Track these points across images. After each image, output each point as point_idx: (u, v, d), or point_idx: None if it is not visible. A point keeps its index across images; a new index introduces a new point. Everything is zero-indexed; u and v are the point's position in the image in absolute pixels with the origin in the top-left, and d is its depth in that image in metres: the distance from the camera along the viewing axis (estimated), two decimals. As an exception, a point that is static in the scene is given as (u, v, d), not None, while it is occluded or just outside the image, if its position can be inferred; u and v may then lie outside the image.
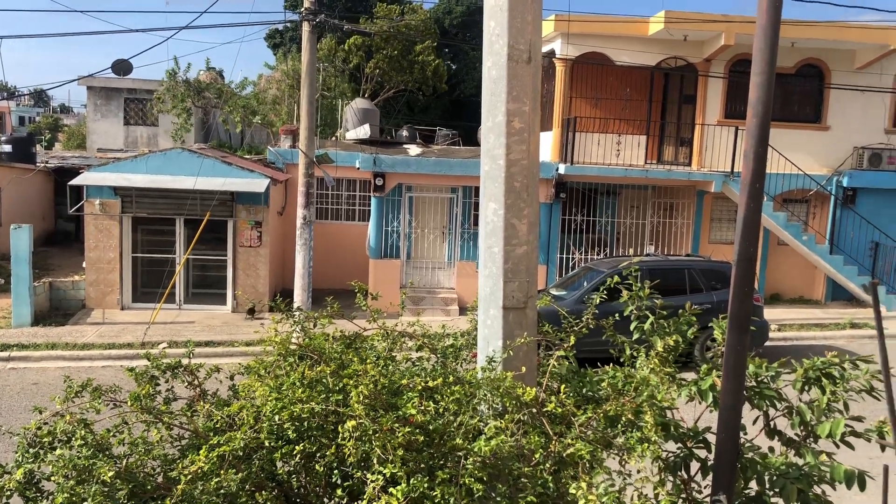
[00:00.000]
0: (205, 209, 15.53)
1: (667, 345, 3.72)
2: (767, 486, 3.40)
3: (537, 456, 3.25)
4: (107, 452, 3.45)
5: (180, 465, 3.31)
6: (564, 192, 17.24)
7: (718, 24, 16.61)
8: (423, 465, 3.19)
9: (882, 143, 18.11)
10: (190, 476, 3.17)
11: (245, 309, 16.01)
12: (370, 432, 3.13)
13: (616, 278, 4.17)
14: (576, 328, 4.23)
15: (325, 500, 3.70)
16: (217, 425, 3.71)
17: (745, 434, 3.50)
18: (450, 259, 17.57)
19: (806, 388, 3.52)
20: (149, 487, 3.39)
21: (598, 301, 4.23)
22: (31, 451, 3.50)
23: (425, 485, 3.03)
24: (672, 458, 3.60)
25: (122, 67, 16.48)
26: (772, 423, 3.65)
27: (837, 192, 18.08)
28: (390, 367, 4.10)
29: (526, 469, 3.22)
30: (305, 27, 14.25)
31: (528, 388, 3.43)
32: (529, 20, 3.85)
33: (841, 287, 18.02)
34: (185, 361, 4.05)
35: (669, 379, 3.66)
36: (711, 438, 3.47)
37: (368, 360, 3.84)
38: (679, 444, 3.65)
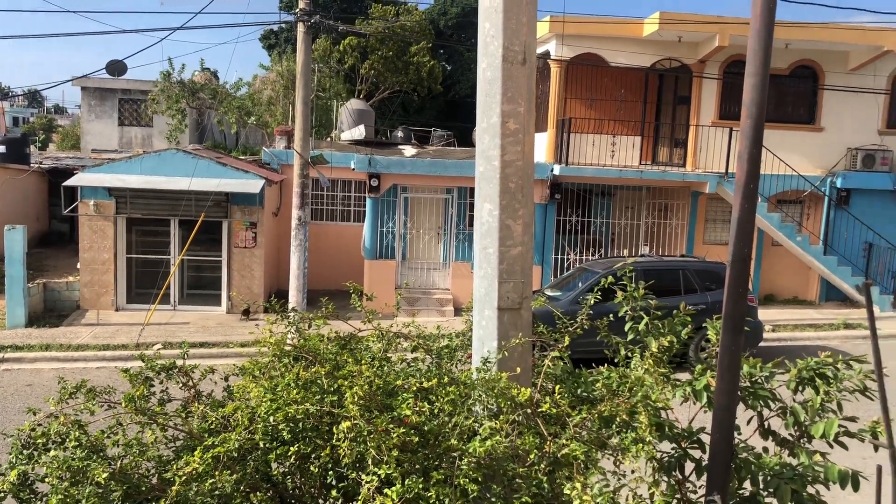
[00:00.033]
0: (199, 210, 15.51)
1: (661, 345, 3.73)
2: (762, 486, 3.41)
3: (532, 456, 3.25)
4: (101, 454, 3.44)
5: (175, 467, 3.31)
6: (559, 193, 17.27)
7: (713, 25, 16.65)
8: (417, 466, 3.19)
9: (875, 144, 18.18)
10: (184, 477, 3.16)
11: (240, 310, 15.99)
12: (365, 433, 3.13)
13: (611, 279, 4.18)
14: (570, 329, 4.24)
15: (320, 501, 3.70)
16: (212, 426, 3.70)
17: (740, 434, 3.51)
18: (445, 260, 17.58)
19: (800, 388, 3.53)
20: (143, 489, 3.38)
21: (592, 302, 4.23)
22: (25, 452, 3.49)
23: (420, 486, 3.03)
24: (667, 458, 3.61)
25: (116, 68, 16.42)
26: (766, 423, 3.66)
27: (831, 192, 18.14)
28: (385, 367, 4.10)
29: (521, 470, 3.23)
30: (300, 28, 14.23)
31: (523, 389, 3.43)
32: (524, 21, 3.86)
33: (835, 288, 18.09)
34: (179, 362, 4.04)
35: (664, 379, 3.67)
36: (706, 439, 3.47)
37: (363, 361, 3.84)
38: (674, 445, 3.66)
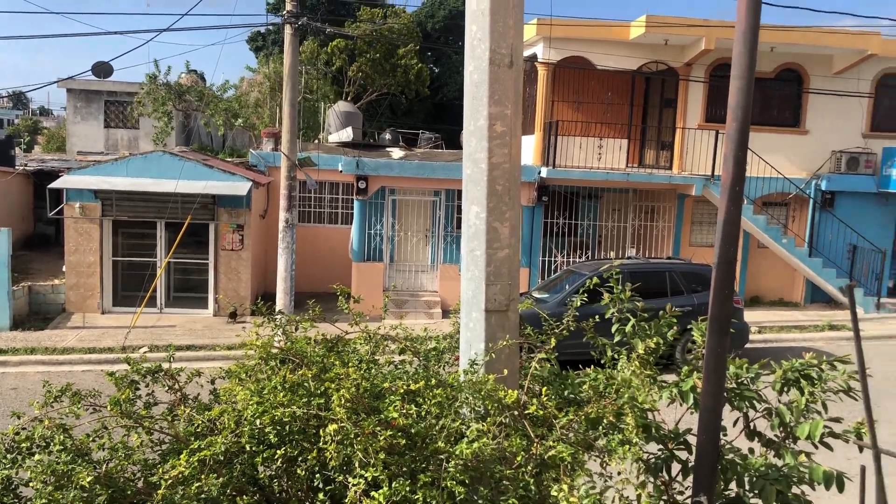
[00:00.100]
0: (186, 212, 15.44)
1: (648, 347, 3.75)
2: (747, 487, 3.43)
3: (519, 458, 3.25)
4: (86, 458, 3.41)
5: (161, 470, 3.28)
6: (546, 196, 17.31)
7: (699, 28, 16.74)
8: (405, 469, 3.19)
9: (859, 147, 18.34)
10: (171, 481, 3.15)
11: (227, 312, 15.92)
12: (352, 436, 3.13)
13: (597, 281, 4.19)
14: (557, 331, 4.25)
15: (307, 504, 3.68)
16: (198, 430, 3.68)
17: (726, 435, 3.53)
18: (433, 262, 17.58)
19: (785, 389, 3.55)
20: (129, 492, 3.36)
21: (579, 303, 4.25)
22: (8, 456, 3.46)
23: (407, 488, 3.03)
24: (653, 459, 3.62)
25: (102, 70, 16.35)
26: (752, 424, 3.68)
27: (816, 195, 18.29)
28: (372, 370, 4.09)
29: (508, 472, 3.23)
30: (288, 30, 14.21)
31: (510, 391, 3.44)
32: (511, 24, 3.87)
33: (820, 289, 18.22)
34: (165, 365, 4.02)
35: (650, 381, 3.69)
36: (692, 440, 3.49)
37: (350, 364, 3.84)
38: (660, 446, 3.67)
